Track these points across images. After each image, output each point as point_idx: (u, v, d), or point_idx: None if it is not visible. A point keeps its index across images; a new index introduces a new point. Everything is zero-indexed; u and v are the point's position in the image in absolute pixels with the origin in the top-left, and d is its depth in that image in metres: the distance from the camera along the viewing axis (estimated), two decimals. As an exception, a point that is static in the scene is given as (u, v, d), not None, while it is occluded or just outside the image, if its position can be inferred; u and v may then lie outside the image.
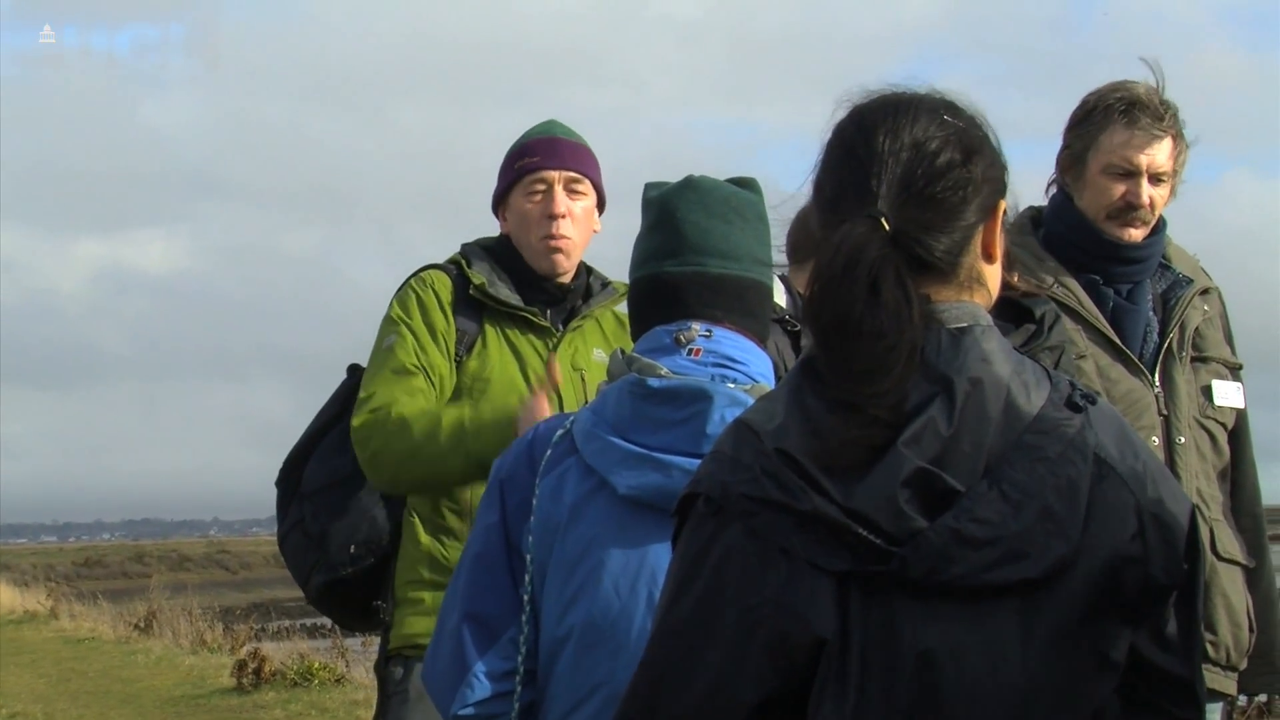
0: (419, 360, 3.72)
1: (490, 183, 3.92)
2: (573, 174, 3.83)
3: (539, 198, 3.81)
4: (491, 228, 3.96)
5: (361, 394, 3.74)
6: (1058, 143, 3.86)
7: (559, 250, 3.81)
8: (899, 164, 1.89)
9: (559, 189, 3.81)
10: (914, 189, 1.89)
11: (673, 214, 2.56)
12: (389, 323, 3.80)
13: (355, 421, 3.69)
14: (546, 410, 3.47)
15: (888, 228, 1.85)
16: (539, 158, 3.82)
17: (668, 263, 2.55)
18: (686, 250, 2.54)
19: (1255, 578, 3.87)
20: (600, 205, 3.94)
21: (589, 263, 3.98)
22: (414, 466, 3.60)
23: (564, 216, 3.80)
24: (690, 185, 2.58)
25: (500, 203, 3.92)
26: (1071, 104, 3.85)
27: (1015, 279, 3.63)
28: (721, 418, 2.39)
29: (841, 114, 1.98)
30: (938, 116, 1.93)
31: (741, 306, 2.53)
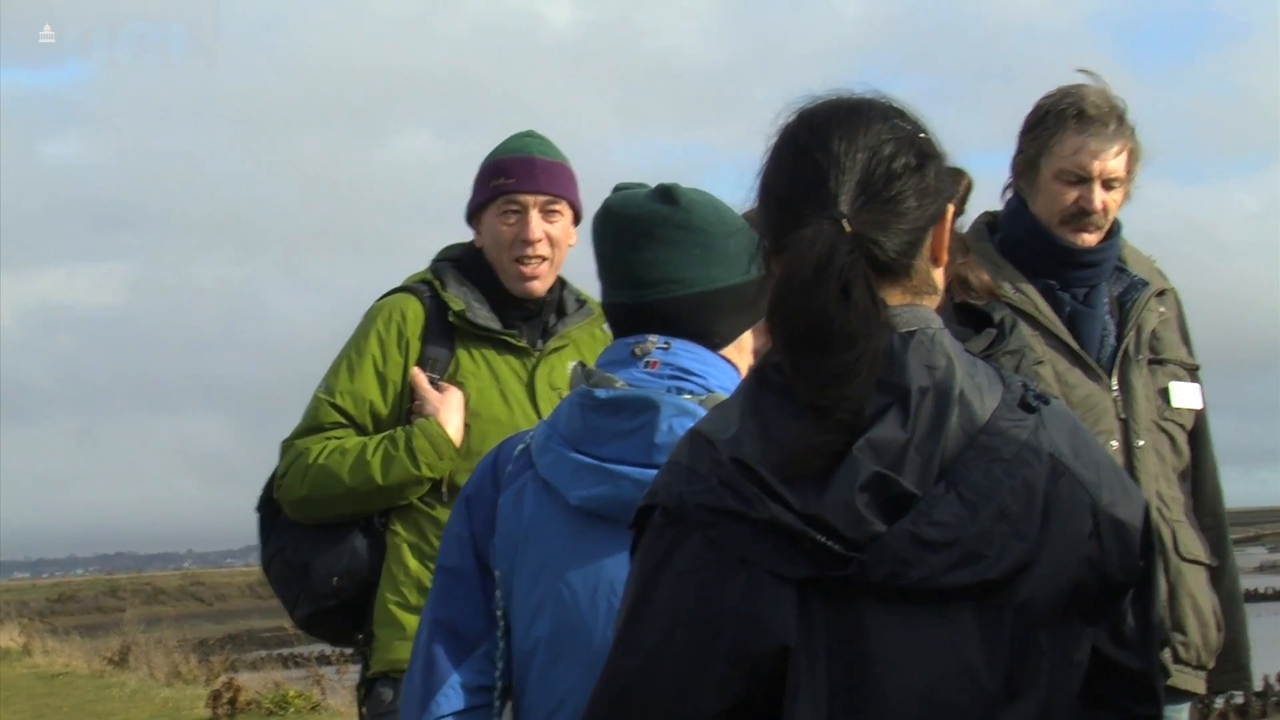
0: (345, 411, 3.77)
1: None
2: (549, 196, 3.82)
3: (513, 220, 3.79)
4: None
5: (285, 441, 3.84)
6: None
7: (533, 277, 3.81)
8: (856, 166, 1.90)
9: (534, 213, 3.80)
10: (872, 191, 1.89)
11: (597, 244, 2.57)
12: (343, 355, 3.85)
13: (279, 469, 3.81)
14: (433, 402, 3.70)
15: (849, 230, 1.85)
16: (515, 179, 3.79)
17: (605, 291, 2.58)
18: (611, 283, 2.56)
19: (1219, 576, 3.89)
20: (577, 218, 3.93)
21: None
22: (344, 499, 3.72)
23: (540, 241, 3.79)
24: (606, 214, 2.57)
25: (474, 216, 3.90)
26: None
27: (982, 277, 3.63)
28: (669, 427, 2.40)
29: (789, 118, 1.98)
30: (889, 120, 1.94)
31: (679, 327, 2.50)
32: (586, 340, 3.94)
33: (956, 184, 3.52)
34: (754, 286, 2.49)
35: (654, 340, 2.50)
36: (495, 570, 2.50)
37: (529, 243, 3.78)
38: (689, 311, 2.51)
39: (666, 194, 2.55)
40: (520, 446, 2.54)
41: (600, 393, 2.46)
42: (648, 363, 2.49)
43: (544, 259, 3.81)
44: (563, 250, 3.87)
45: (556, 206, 3.83)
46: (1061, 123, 3.76)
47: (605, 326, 3.92)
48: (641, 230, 2.52)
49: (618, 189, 2.63)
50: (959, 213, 3.61)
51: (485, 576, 2.51)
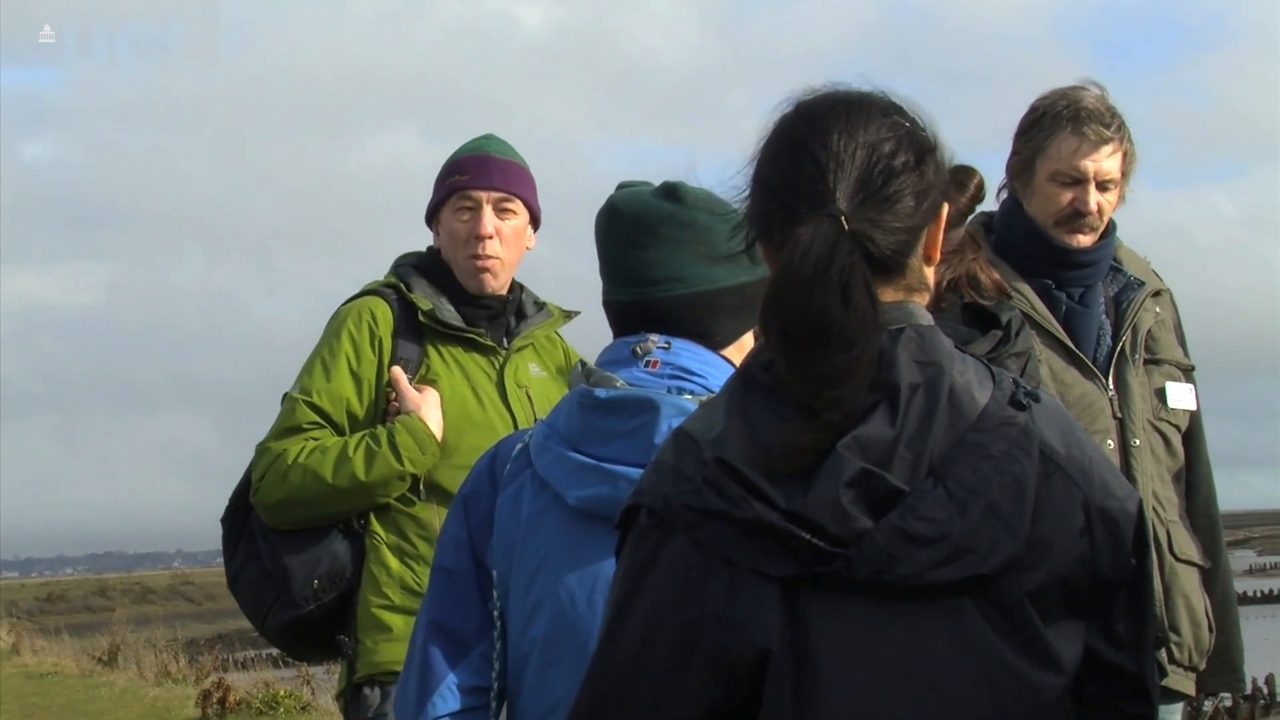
0: (322, 411, 3.78)
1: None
2: (503, 194, 3.86)
3: (467, 216, 3.84)
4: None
5: (260, 444, 3.82)
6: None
7: (485, 270, 3.85)
8: (855, 163, 1.87)
9: (487, 209, 3.84)
10: (871, 189, 1.87)
11: (600, 241, 2.55)
12: (315, 356, 3.86)
13: (255, 473, 3.79)
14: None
15: (848, 227, 1.83)
16: (469, 176, 3.85)
17: (607, 289, 2.56)
18: (613, 280, 2.53)
19: (1212, 578, 3.89)
20: (535, 223, 3.97)
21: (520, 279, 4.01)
22: (329, 498, 3.71)
23: (491, 237, 3.83)
24: (611, 210, 2.55)
25: (433, 216, 3.95)
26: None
27: (993, 275, 3.63)
28: (669, 428, 2.36)
29: (786, 110, 1.95)
30: (889, 116, 1.92)
31: (680, 327, 2.48)
32: (545, 344, 3.98)
33: (967, 182, 3.52)
34: (756, 286, 2.46)
35: (655, 340, 2.48)
36: (493, 570, 2.48)
37: (480, 238, 3.82)
38: (691, 311, 2.48)
39: (671, 192, 2.52)
40: (519, 446, 2.53)
41: (600, 392, 2.43)
42: (648, 362, 2.46)
43: (495, 256, 3.85)
44: (517, 250, 3.91)
45: (510, 205, 3.88)
46: (1057, 124, 3.77)
47: (560, 331, 3.97)
48: (645, 228, 2.49)
49: (621, 186, 2.60)
50: (970, 211, 3.62)
51: (482, 577, 2.49)
